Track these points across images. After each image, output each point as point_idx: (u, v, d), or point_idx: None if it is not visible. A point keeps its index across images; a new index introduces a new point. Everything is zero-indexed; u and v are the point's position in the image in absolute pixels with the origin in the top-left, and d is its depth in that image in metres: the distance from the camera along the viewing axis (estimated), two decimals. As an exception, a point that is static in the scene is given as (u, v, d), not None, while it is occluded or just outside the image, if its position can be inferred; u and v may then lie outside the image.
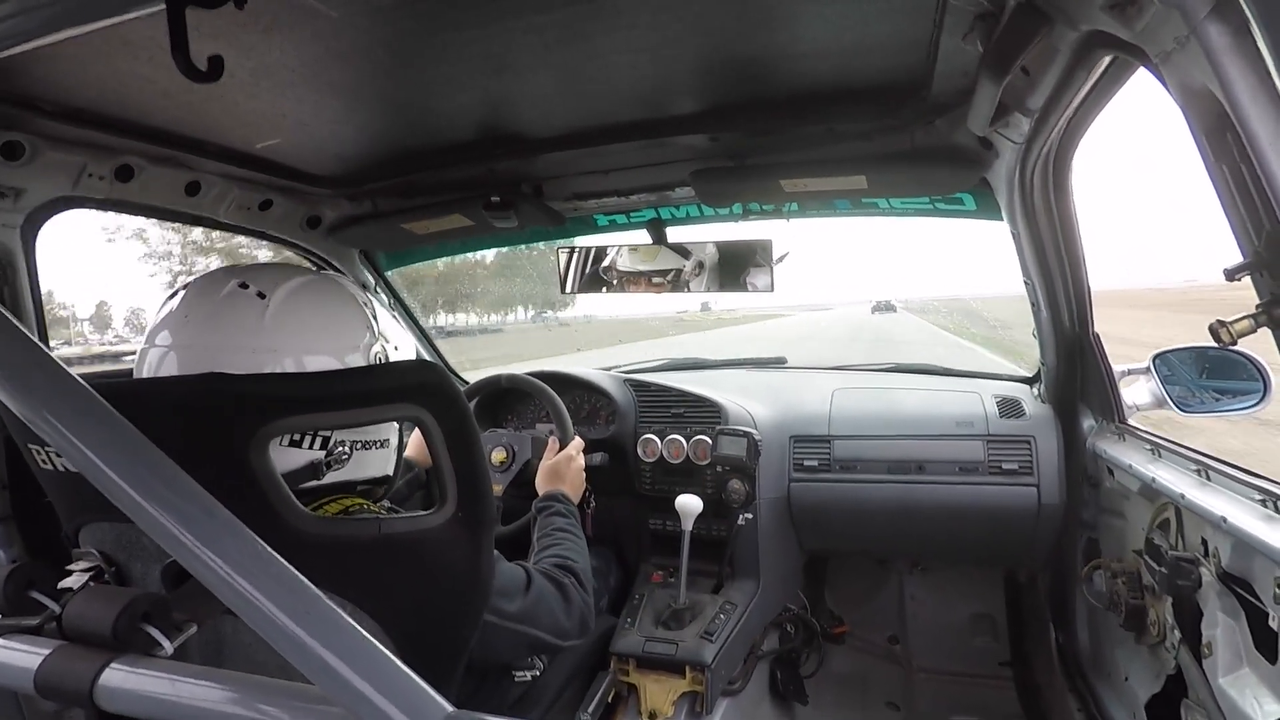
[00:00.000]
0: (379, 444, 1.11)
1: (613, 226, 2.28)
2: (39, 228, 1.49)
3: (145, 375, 0.99)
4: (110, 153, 1.47)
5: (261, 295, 1.00)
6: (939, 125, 1.50)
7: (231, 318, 0.99)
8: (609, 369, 2.56)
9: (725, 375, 2.69)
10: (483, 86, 1.40)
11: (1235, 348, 1.45)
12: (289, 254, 2.24)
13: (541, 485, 1.66)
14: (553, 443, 1.81)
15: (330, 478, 1.02)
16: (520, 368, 2.23)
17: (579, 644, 1.31)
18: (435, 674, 1.03)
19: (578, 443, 1.80)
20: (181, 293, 1.03)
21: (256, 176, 1.77)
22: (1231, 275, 0.69)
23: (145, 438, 0.65)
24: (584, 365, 2.41)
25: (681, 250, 2.05)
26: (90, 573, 0.89)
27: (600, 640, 1.76)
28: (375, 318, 1.12)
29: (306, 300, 1.04)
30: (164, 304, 1.03)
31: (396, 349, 1.15)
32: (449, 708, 0.55)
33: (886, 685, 2.45)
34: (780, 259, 1.98)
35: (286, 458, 0.96)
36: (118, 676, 0.65)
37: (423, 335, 2.68)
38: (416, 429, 1.02)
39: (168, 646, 0.71)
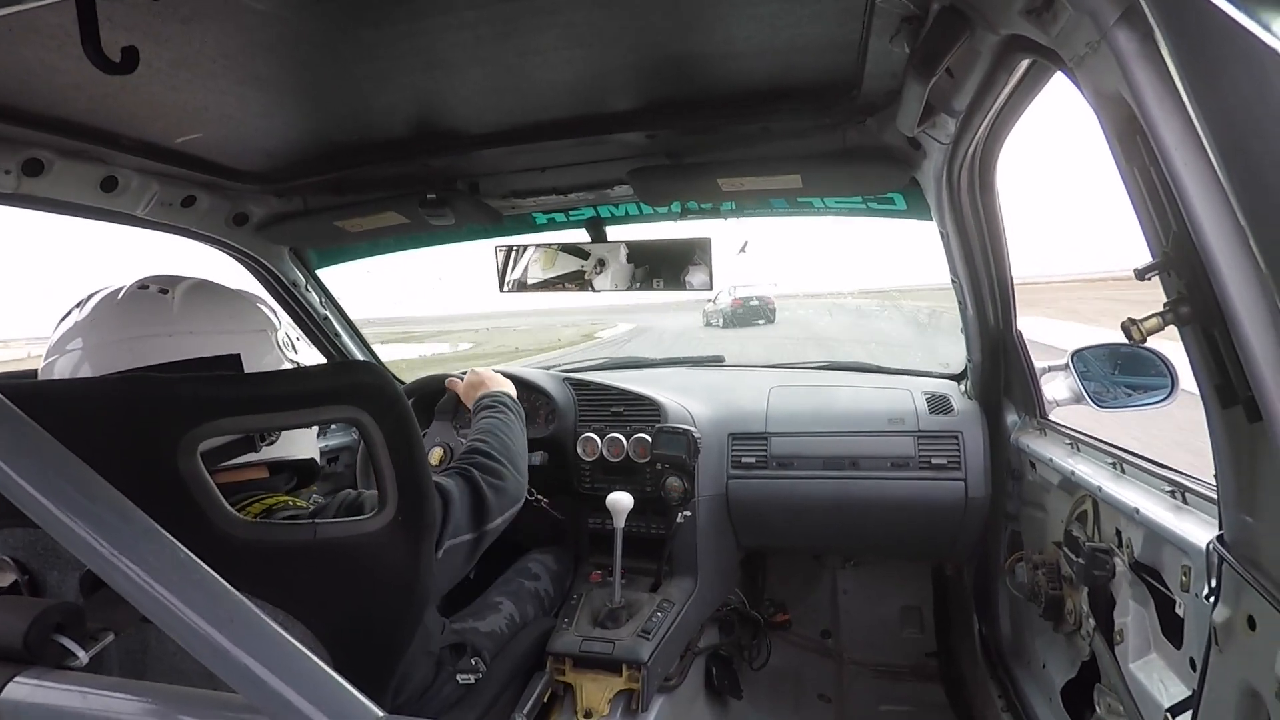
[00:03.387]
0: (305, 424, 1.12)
1: (551, 225, 2.26)
2: None
3: None
4: (16, 145, 1.38)
5: (164, 291, 1.02)
6: (870, 125, 1.52)
7: (140, 311, 0.98)
8: (548, 368, 2.54)
9: (665, 374, 2.69)
10: (415, 82, 1.36)
11: (1145, 345, 1.52)
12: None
13: (470, 399, 1.68)
14: (453, 380, 1.85)
15: (266, 453, 1.03)
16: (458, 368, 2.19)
17: (502, 523, 1.29)
18: (370, 678, 1.01)
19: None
20: (78, 306, 1.03)
21: (178, 172, 1.68)
22: (1142, 275, 0.71)
23: (54, 440, 0.62)
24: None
25: (579, 252, 2.06)
26: (4, 585, 0.85)
27: (539, 641, 1.75)
28: (275, 312, 1.15)
29: (208, 291, 1.07)
30: (64, 318, 1.02)
31: (299, 339, 1.17)
32: (379, 712, 0.54)
33: (819, 678, 2.50)
34: (743, 247, 2.00)
35: None
36: (24, 690, 0.61)
37: (356, 334, 2.61)
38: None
39: (83, 657, 0.67)
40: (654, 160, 1.77)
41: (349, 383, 0.96)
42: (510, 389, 1.68)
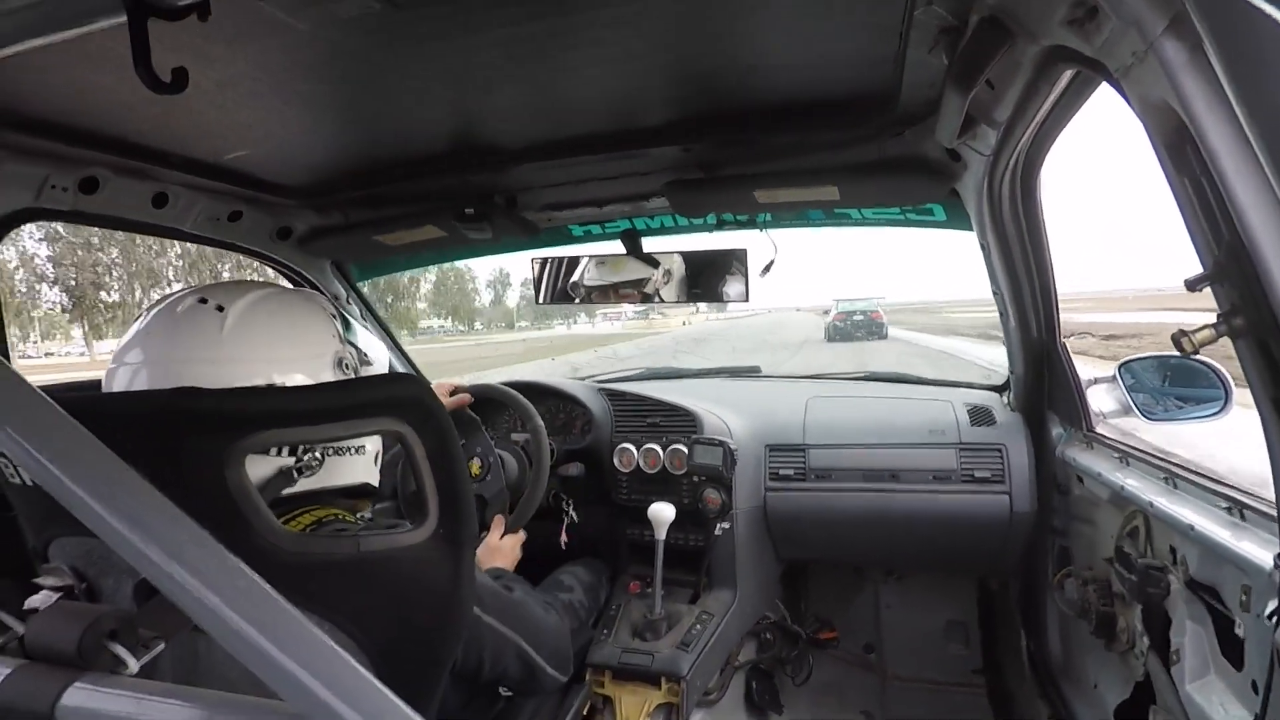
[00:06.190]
0: (354, 450, 1.09)
1: (588, 237, 2.29)
2: (0, 240, 1.46)
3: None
4: (74, 164, 1.44)
5: (220, 309, 1.00)
6: (908, 137, 1.51)
7: (190, 331, 0.98)
8: (584, 378, 2.55)
9: (701, 384, 2.69)
10: (452, 99, 1.39)
11: (1198, 356, 1.47)
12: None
13: (486, 563, 1.62)
14: (499, 520, 1.76)
15: (303, 484, 1.01)
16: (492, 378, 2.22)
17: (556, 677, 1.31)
18: (415, 691, 1.02)
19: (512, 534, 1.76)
20: (148, 312, 1.03)
21: (224, 187, 1.74)
22: (1193, 286, 0.70)
23: (109, 450, 0.64)
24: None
25: (650, 260, 2.06)
26: (59, 591, 0.87)
27: (577, 653, 1.75)
28: (342, 327, 1.12)
29: (267, 310, 1.04)
30: (133, 323, 1.03)
31: (367, 355, 1.14)
32: None
33: (861, 694, 2.46)
34: (766, 268, 1.99)
35: (254, 467, 0.94)
36: (81, 695, 0.63)
37: (396, 347, 2.66)
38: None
39: (133, 664, 0.69)
40: (689, 173, 1.77)
41: (390, 395, 0.96)
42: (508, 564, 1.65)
